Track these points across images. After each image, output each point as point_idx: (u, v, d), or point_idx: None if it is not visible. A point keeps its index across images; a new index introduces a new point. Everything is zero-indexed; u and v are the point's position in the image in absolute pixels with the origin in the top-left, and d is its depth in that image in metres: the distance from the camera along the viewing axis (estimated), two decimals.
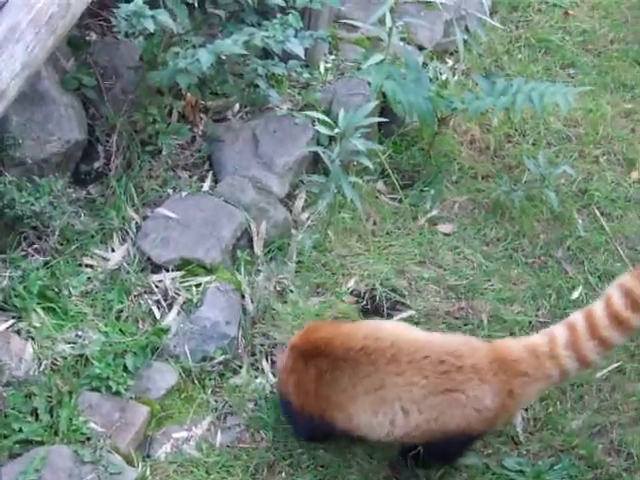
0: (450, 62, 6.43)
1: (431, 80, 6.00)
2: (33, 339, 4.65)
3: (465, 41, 6.27)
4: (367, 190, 5.63)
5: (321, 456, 4.56)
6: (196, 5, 5.29)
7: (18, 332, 4.66)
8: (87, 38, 5.39)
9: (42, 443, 4.33)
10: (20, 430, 4.36)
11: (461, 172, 5.92)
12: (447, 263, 5.41)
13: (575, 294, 5.34)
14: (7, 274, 4.76)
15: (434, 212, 5.68)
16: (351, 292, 5.21)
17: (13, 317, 4.71)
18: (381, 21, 5.83)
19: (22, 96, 4.75)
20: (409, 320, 5.05)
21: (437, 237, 5.56)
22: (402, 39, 6.15)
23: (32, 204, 4.82)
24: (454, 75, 6.30)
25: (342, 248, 5.38)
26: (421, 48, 6.44)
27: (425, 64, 6.13)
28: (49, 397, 4.48)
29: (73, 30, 4.97)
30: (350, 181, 5.31)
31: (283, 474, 4.53)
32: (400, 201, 5.68)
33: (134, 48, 5.47)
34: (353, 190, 5.28)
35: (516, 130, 6.23)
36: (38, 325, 4.70)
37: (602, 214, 5.83)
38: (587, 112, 6.39)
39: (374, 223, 5.55)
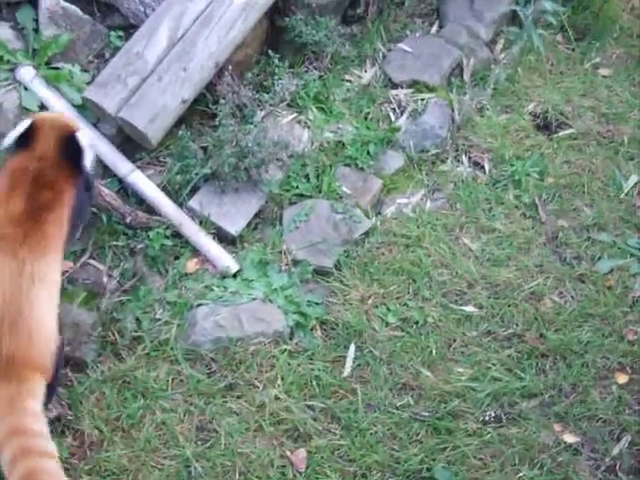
0: None
1: None
2: (309, 128, 4.75)
3: None
4: (549, 40, 5.39)
5: None
6: None
7: (299, 122, 4.77)
8: None
9: (310, 197, 4.51)
10: (297, 187, 4.53)
11: (621, 31, 5.61)
12: (602, 97, 5.21)
13: None
14: (294, 82, 4.82)
15: (597, 59, 5.43)
16: (530, 113, 5.12)
17: (296, 112, 4.81)
18: None
19: None
20: (569, 136, 5.00)
21: (597, 78, 5.34)
22: None
23: (313, 35, 4.84)
24: None
25: (526, 81, 5.24)
26: None
27: None
28: (317, 167, 4.62)
29: None
30: (538, 33, 5.21)
31: (471, 231, 4.56)
32: (573, 50, 5.46)
33: None
34: (539, 39, 5.18)
35: None
36: (312, 119, 4.78)
37: None
38: None
39: (551, 65, 5.34)
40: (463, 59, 5.17)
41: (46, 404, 3.44)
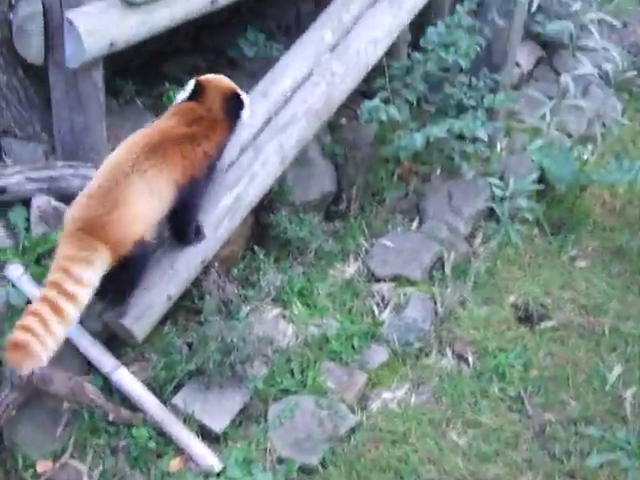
0: (590, 147, 6.27)
1: (576, 159, 5.87)
2: (293, 322, 4.77)
3: (602, 133, 6.25)
4: (526, 234, 5.54)
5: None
6: (415, 103, 5.41)
7: (284, 317, 4.81)
8: (340, 122, 5.54)
9: (295, 392, 4.45)
10: (281, 382, 4.49)
11: (595, 225, 5.79)
12: (581, 288, 5.28)
13: None
14: (279, 277, 4.90)
15: (573, 252, 5.56)
16: (511, 305, 5.18)
17: (281, 307, 4.85)
18: (542, 117, 5.88)
19: (296, 160, 4.99)
20: (551, 328, 5.03)
21: (575, 270, 5.44)
22: (556, 129, 6.02)
23: (298, 232, 4.99)
24: (593, 156, 6.19)
25: (506, 273, 5.35)
26: (570, 136, 6.24)
27: (572, 148, 5.97)
28: (301, 362, 4.59)
29: (331, 117, 5.18)
30: (515, 228, 5.37)
31: (458, 426, 4.49)
32: (550, 243, 5.61)
33: (371, 130, 5.59)
34: (517, 233, 5.33)
35: (636, 196, 6.02)
36: (297, 313, 4.82)
37: None
38: None
39: (530, 257, 5.46)
40: (444, 253, 5.27)
41: (123, 287, 4.08)
